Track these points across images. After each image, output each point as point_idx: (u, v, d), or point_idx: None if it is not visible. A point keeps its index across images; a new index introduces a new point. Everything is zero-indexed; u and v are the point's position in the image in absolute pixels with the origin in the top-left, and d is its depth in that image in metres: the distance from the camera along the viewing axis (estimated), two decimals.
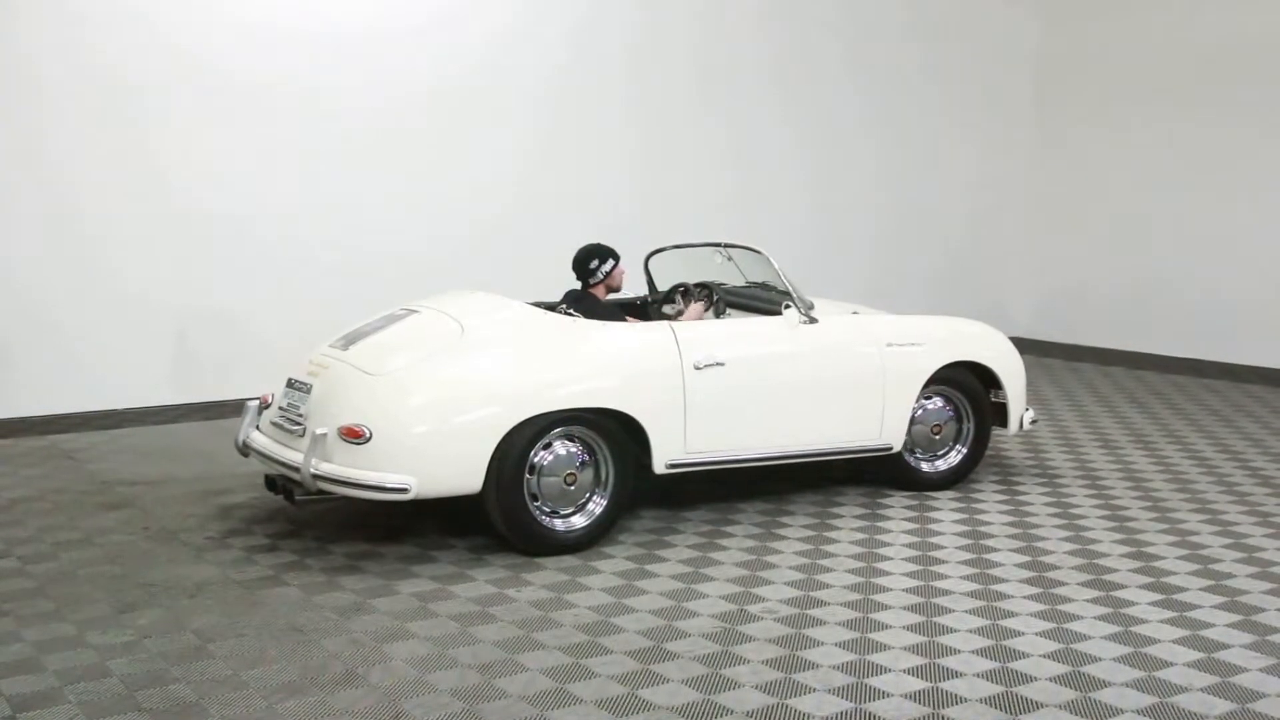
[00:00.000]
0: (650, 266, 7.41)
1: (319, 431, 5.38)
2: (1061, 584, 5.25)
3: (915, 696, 4.10)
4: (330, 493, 5.45)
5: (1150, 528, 6.12)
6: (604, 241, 6.69)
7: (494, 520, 5.59)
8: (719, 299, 6.91)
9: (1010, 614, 4.88)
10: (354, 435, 5.31)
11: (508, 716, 3.95)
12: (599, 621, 4.80)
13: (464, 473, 5.40)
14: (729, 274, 7.07)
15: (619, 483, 5.76)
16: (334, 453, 5.35)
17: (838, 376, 6.40)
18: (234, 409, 8.86)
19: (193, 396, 8.87)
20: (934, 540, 5.90)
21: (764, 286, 6.82)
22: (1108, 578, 5.34)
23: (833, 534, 6.00)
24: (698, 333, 6.12)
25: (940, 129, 11.97)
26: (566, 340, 5.88)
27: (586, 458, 5.72)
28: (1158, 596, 5.10)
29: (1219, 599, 5.07)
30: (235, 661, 4.39)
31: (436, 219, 9.51)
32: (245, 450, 5.98)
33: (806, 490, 6.80)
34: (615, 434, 5.74)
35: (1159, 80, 11.36)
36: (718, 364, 5.97)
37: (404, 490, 5.30)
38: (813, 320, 6.41)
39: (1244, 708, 4.02)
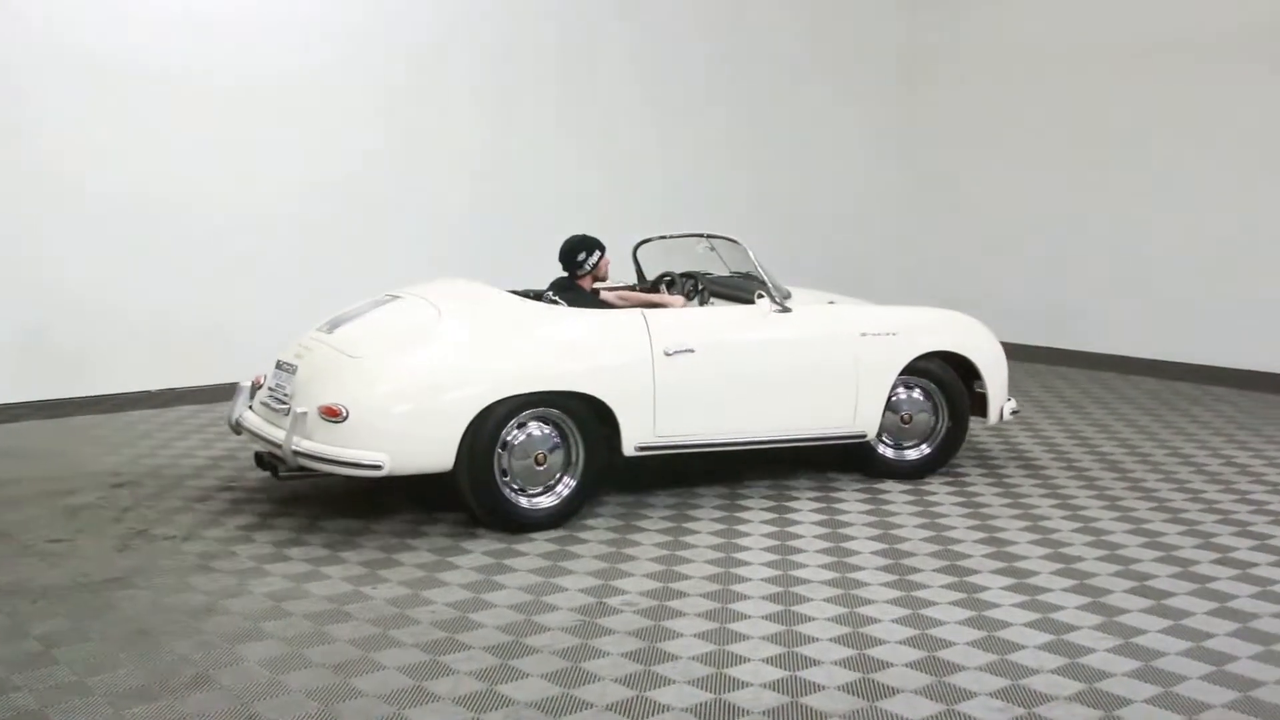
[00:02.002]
0: (638, 256, 7.58)
1: (299, 410, 5.65)
2: (917, 570, 5.34)
3: (774, 685, 4.13)
4: (310, 469, 5.71)
5: (1004, 513, 6.27)
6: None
7: (465, 498, 5.80)
8: (704, 288, 7.05)
9: (868, 601, 4.94)
10: (332, 414, 5.56)
11: (364, 716, 3.87)
12: (457, 618, 4.74)
13: (435, 452, 5.63)
14: (712, 264, 7.19)
15: (589, 464, 5.96)
16: (314, 431, 5.61)
17: (809, 364, 6.53)
18: (82, 406, 8.61)
19: (39, 394, 8.55)
20: (793, 530, 5.95)
21: (746, 276, 6.86)
22: (961, 563, 5.44)
23: (691, 531, 6.01)
24: (669, 320, 6.29)
25: (811, 121, 12.05)
26: (539, 326, 6.12)
27: (558, 440, 5.91)
28: (1010, 581, 5.21)
29: (1068, 581, 5.20)
30: (81, 667, 4.23)
31: (281, 215, 9.33)
32: (237, 428, 6.22)
33: (716, 483, 6.81)
34: (585, 417, 5.93)
35: (1027, 68, 11.61)
36: (688, 351, 6.15)
37: (378, 467, 5.54)
38: (786, 309, 6.54)
39: (1091, 687, 4.12)
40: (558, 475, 5.96)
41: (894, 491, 6.68)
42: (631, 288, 7.45)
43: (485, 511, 5.80)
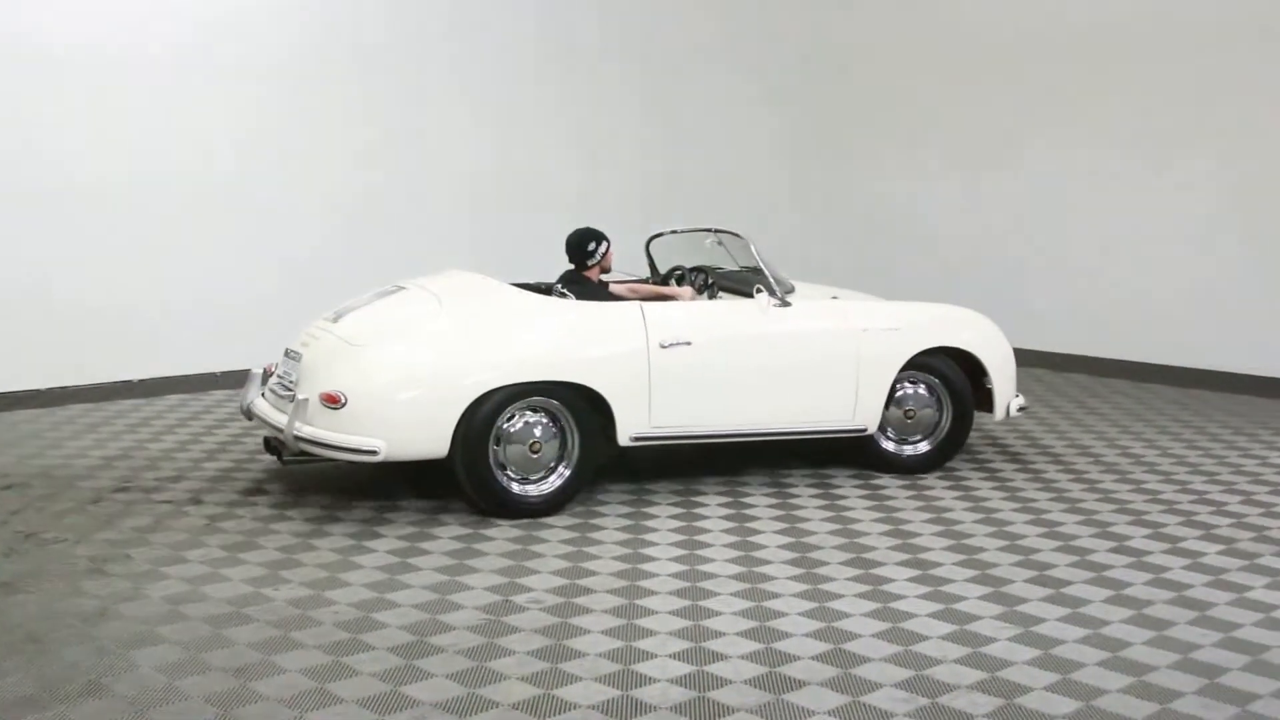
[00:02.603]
0: (651, 249, 7.64)
1: (301, 397, 5.82)
2: (823, 563, 5.37)
3: (681, 680, 4.12)
4: (311, 454, 5.89)
5: (908, 504, 6.35)
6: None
7: (461, 484, 5.95)
8: (713, 282, 7.10)
9: (775, 595, 4.97)
10: (332, 401, 5.74)
11: None
12: (361, 618, 4.66)
13: (430, 438, 5.80)
14: (723, 258, 7.23)
15: (584, 454, 6.06)
16: (315, 417, 5.77)
17: (807, 358, 6.59)
18: None
19: None
20: (701, 525, 5.96)
21: (755, 271, 6.82)
22: (867, 555, 5.50)
23: (599, 528, 5.99)
24: (666, 313, 6.35)
25: (716, 116, 12.06)
26: (536, 317, 6.26)
27: (555, 429, 6.03)
28: (915, 572, 5.27)
29: (971, 572, 5.28)
30: None
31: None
32: (249, 414, 6.37)
33: (621, 480, 6.78)
34: (580, 407, 6.04)
35: (934, 67, 11.73)
36: (684, 343, 6.23)
37: (374, 452, 5.70)
38: (785, 304, 6.59)
39: (993, 676, 4.18)
40: (553, 464, 6.05)
41: (804, 495, 6.73)
42: (643, 281, 7.47)
43: (480, 497, 5.94)
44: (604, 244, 6.74)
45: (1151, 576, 5.25)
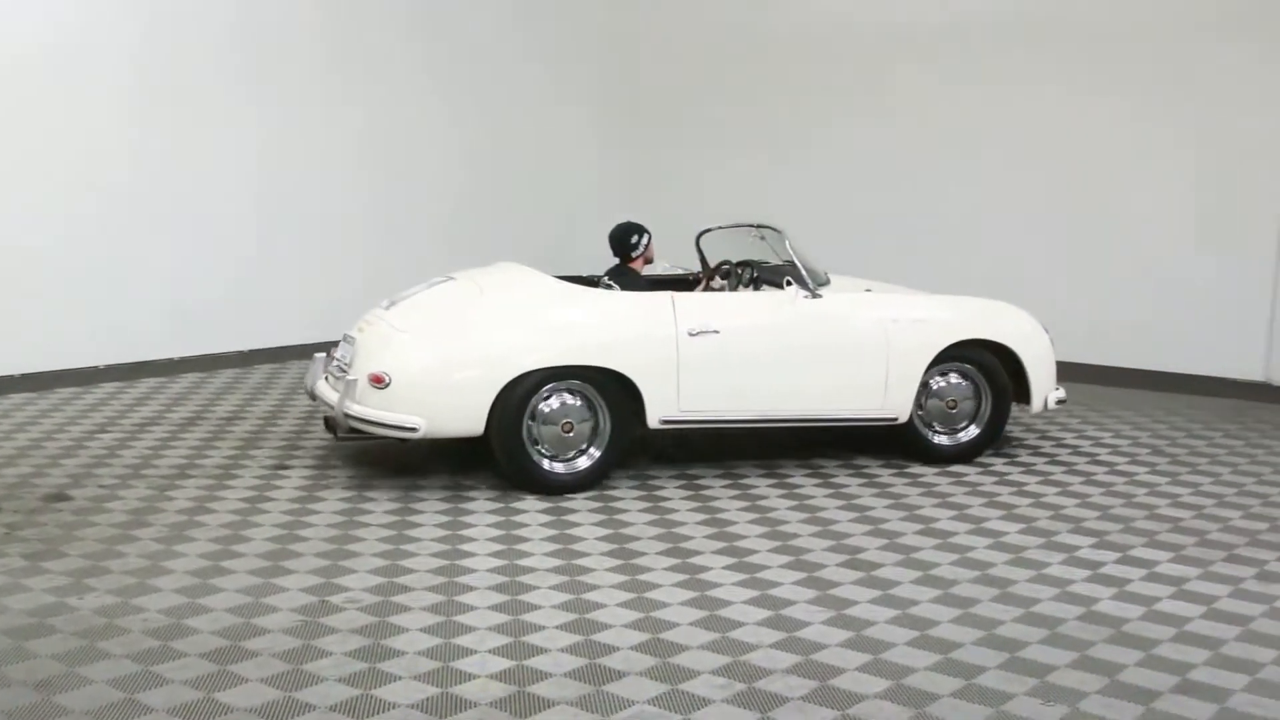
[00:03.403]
0: (701, 244, 7.85)
1: (350, 378, 6.24)
2: (641, 554, 5.43)
3: (501, 675, 4.12)
4: (360, 431, 6.31)
5: (723, 494, 6.46)
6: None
7: (498, 461, 6.35)
8: (757, 275, 7.33)
9: (594, 586, 4.99)
10: (377, 381, 6.14)
11: None
12: (171, 625, 4.51)
13: (467, 417, 6.21)
14: (765, 252, 7.44)
15: (615, 435, 6.42)
16: (364, 396, 6.16)
17: (835, 348, 6.81)
18: None
19: None
20: (518, 520, 5.96)
21: (793, 265, 6.97)
22: (684, 545, 5.57)
23: (416, 524, 5.94)
24: (696, 303, 6.70)
25: (515, 105, 11.99)
26: (571, 306, 6.63)
27: (587, 411, 6.39)
28: (731, 560, 5.37)
29: (785, 558, 5.40)
30: None
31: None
32: (312, 395, 6.78)
33: (440, 473, 6.70)
34: (611, 391, 6.37)
35: (729, 64, 11.95)
36: (712, 332, 6.53)
37: (414, 430, 6.13)
38: (816, 295, 6.84)
39: (807, 659, 4.30)
40: (585, 444, 6.38)
41: (624, 487, 6.78)
42: (696, 276, 7.76)
43: (513, 474, 6.34)
44: (645, 236, 7.17)
45: (957, 556, 5.46)
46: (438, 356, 6.30)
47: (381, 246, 10.80)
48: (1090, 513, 6.21)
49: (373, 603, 4.77)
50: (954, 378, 7.12)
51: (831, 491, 6.54)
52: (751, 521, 5.97)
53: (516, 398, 6.21)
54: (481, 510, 6.07)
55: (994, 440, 7.28)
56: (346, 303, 8.88)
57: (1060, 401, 7.39)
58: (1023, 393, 7.24)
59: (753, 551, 5.49)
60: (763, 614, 4.72)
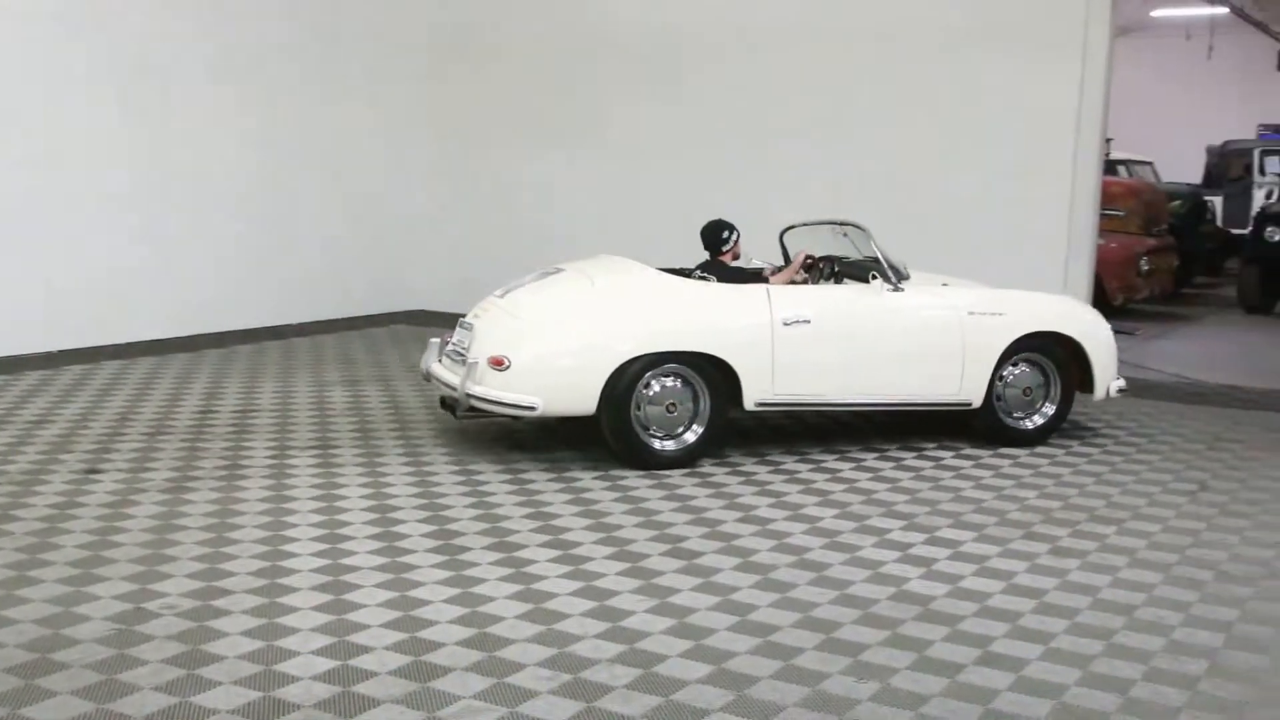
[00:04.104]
0: (785, 240, 8.29)
1: (471, 360, 6.73)
2: (467, 549, 5.42)
3: (325, 676, 4.08)
4: (480, 410, 6.79)
5: (549, 488, 6.49)
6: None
7: (606, 437, 6.83)
8: (839, 269, 7.79)
9: (419, 583, 4.98)
10: (497, 364, 6.63)
11: None
12: None
13: (580, 397, 6.69)
14: (846, 248, 7.87)
15: (714, 415, 6.90)
16: (484, 378, 6.61)
17: (916, 338, 7.36)
18: None
19: None
20: (342, 519, 5.88)
21: (874, 260, 7.47)
22: (510, 539, 5.59)
23: (237, 527, 5.81)
24: (789, 294, 7.19)
25: (342, 107, 11.82)
26: (675, 295, 7.12)
27: (689, 393, 6.89)
28: (556, 552, 5.41)
29: (609, 549, 5.47)
30: None
31: None
32: (427, 377, 7.36)
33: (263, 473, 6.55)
34: (711, 375, 6.86)
35: (540, 51, 12.02)
36: (804, 321, 7.01)
37: (532, 408, 6.61)
38: (899, 289, 7.34)
39: (631, 648, 4.37)
40: (687, 423, 6.84)
41: (447, 480, 6.75)
42: (778, 269, 8.01)
43: (621, 450, 6.83)
44: (734, 233, 7.71)
45: (775, 543, 5.62)
46: (555, 341, 6.82)
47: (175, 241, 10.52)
48: (900, 496, 6.46)
49: (191, 607, 4.66)
50: (1024, 367, 7.66)
51: (655, 482, 6.64)
52: (575, 513, 6.02)
53: (625, 380, 6.68)
54: (304, 510, 5.97)
55: (1060, 425, 7.86)
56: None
57: (1121, 390, 7.95)
58: (1086, 382, 7.80)
59: (578, 544, 5.55)
60: (588, 605, 4.78)
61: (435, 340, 7.41)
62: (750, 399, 6.98)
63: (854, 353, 7.20)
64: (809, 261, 7.91)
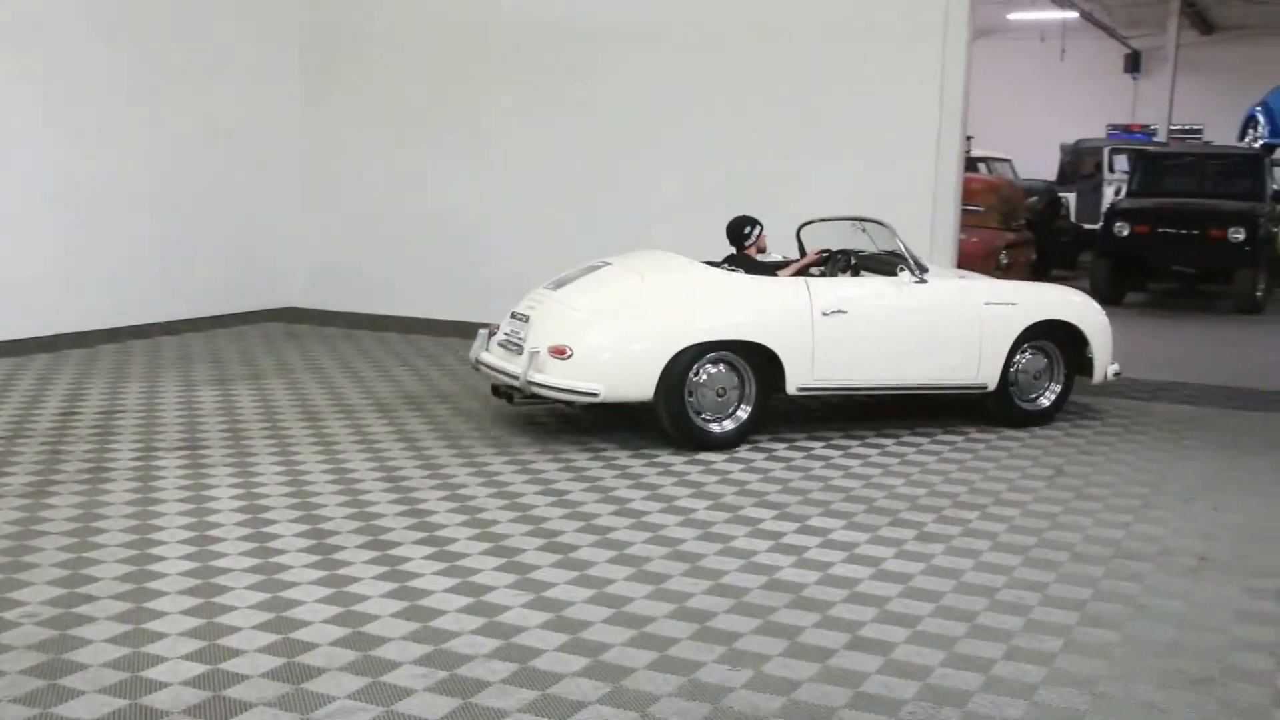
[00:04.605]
0: (801, 235, 8.71)
1: (533, 349, 7.07)
2: (341, 548, 5.36)
3: (195, 681, 4.01)
4: (540, 396, 7.26)
5: (424, 485, 6.45)
6: None
7: (661, 421, 7.25)
8: (856, 263, 8.21)
9: (292, 584, 4.91)
10: (559, 353, 7.04)
11: None
12: None
13: (639, 384, 7.12)
14: (863, 243, 8.32)
15: (759, 399, 7.40)
16: (545, 366, 7.03)
17: (940, 326, 7.83)
18: None
19: None
20: (211, 518, 5.77)
21: (891, 254, 8.02)
22: (384, 537, 5.54)
23: (97, 535, 5.66)
24: (827, 287, 7.65)
25: (209, 104, 11.55)
26: (723, 289, 7.57)
27: (736, 379, 7.34)
28: (432, 550, 5.38)
29: (485, 545, 5.47)
30: None
31: None
32: (476, 366, 7.80)
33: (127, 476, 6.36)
34: (757, 362, 7.33)
35: (413, 53, 11.93)
36: (841, 312, 7.48)
37: (595, 394, 7.06)
38: (923, 280, 7.79)
39: (508, 643, 4.38)
40: (735, 406, 7.28)
41: (317, 471, 6.67)
42: (793, 261, 8.39)
43: (676, 432, 7.25)
44: (758, 227, 8.08)
45: (649, 535, 5.68)
46: (615, 332, 7.25)
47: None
48: (772, 486, 6.58)
49: (52, 615, 4.53)
50: (1029, 354, 8.18)
51: (529, 477, 6.65)
52: (451, 510, 6.00)
53: (680, 367, 7.10)
54: (172, 513, 5.83)
55: (1063, 406, 8.42)
56: None
57: (1117, 374, 8.49)
58: (1084, 366, 8.34)
59: (453, 540, 5.53)
60: (463, 601, 4.78)
61: (483, 331, 7.83)
62: (793, 384, 7.45)
63: (886, 341, 7.70)
64: (824, 255, 8.34)
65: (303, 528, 5.66)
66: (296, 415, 8.00)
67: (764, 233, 8.13)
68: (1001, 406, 8.16)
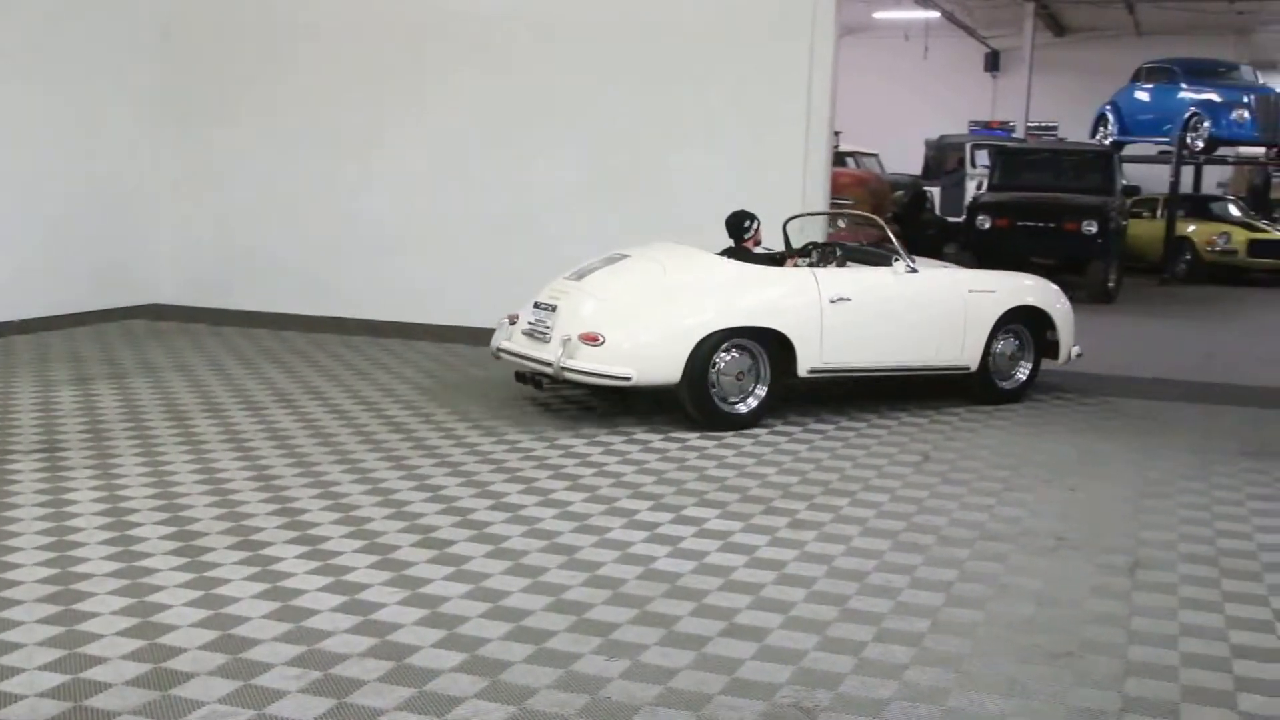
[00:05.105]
0: (786, 229, 9.14)
1: (564, 337, 7.50)
2: (210, 549, 5.24)
3: (53, 693, 3.87)
4: (571, 381, 7.70)
5: (295, 483, 6.33)
6: None
7: (685, 404, 7.72)
8: (841, 254, 8.78)
9: (158, 588, 4.78)
10: (591, 340, 7.48)
11: None
12: None
13: (668, 369, 7.58)
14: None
15: (774, 382, 7.90)
16: (576, 352, 7.44)
17: (931, 312, 8.48)
18: None
19: None
20: (70, 523, 5.59)
21: (878, 245, 8.84)
22: (255, 537, 5.43)
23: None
24: (832, 276, 8.19)
25: (71, 85, 11.17)
26: (740, 279, 8.07)
27: (752, 363, 7.83)
28: (304, 549, 5.29)
29: (359, 542, 5.40)
30: None
31: None
32: (497, 355, 8.23)
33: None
34: (771, 347, 7.81)
35: (283, 49, 11.73)
36: (846, 299, 8.01)
37: (627, 379, 7.51)
38: (914, 270, 8.44)
39: (384, 640, 4.33)
40: (751, 388, 7.76)
41: (184, 472, 6.51)
42: (781, 255, 8.88)
43: (699, 413, 7.70)
44: (755, 221, 8.59)
45: (527, 528, 5.67)
46: (645, 319, 7.70)
47: None
48: (647, 478, 6.62)
49: None
50: (1006, 336, 8.85)
51: (404, 473, 6.59)
52: (323, 509, 5.91)
53: (704, 352, 7.54)
54: (28, 518, 5.62)
55: (1032, 384, 9.09)
56: None
57: (1079, 355, 9.18)
58: (1049, 348, 9.04)
59: (326, 538, 5.45)
60: (337, 600, 4.71)
61: (504, 320, 8.21)
62: (804, 367, 7.93)
63: (886, 326, 8.26)
64: (813, 245, 8.89)
65: (169, 529, 5.51)
66: (161, 414, 7.79)
67: (761, 226, 8.58)
68: (982, 386, 8.83)
